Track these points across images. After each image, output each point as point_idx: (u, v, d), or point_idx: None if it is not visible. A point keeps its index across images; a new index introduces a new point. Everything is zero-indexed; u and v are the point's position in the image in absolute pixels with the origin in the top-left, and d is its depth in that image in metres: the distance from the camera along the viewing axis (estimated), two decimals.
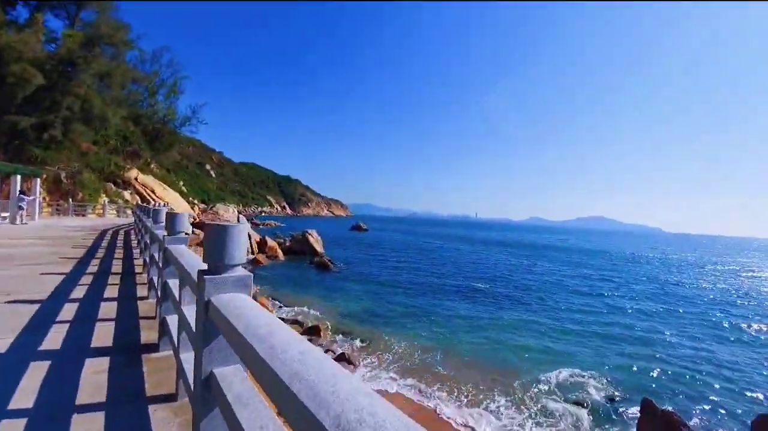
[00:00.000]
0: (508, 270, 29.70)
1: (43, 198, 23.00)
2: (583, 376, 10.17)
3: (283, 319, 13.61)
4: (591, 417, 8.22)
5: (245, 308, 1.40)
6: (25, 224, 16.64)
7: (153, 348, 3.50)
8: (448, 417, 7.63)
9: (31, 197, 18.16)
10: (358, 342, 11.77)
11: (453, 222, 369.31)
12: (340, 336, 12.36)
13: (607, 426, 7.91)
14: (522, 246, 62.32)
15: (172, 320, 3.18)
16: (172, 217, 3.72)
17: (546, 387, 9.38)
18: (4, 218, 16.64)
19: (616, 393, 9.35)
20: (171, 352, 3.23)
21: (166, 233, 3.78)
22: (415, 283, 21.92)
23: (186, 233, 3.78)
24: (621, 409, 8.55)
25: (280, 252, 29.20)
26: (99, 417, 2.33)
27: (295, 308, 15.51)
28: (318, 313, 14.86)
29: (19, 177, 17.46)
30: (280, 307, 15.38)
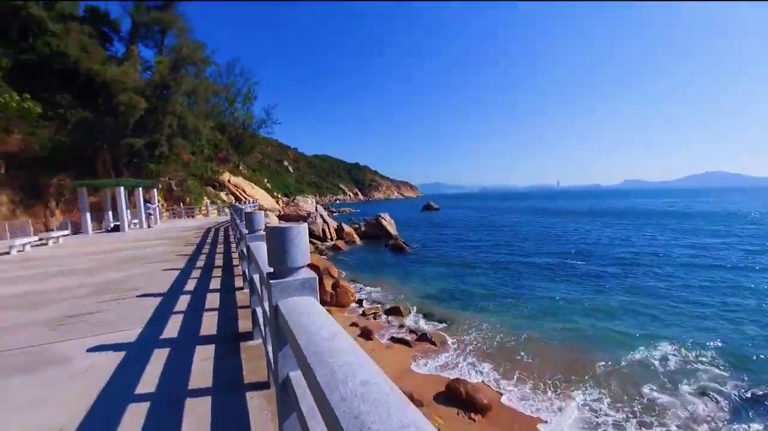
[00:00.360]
0: (600, 243, 26.44)
1: (162, 205, 27.50)
2: (700, 364, 8.62)
3: (364, 301, 14.27)
4: (716, 410, 6.94)
5: (309, 318, 1.31)
6: (152, 227, 20.01)
7: (248, 336, 3.82)
8: (531, 412, 7.04)
9: (154, 205, 21.81)
10: (438, 324, 11.70)
11: (531, 194, 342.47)
12: (421, 316, 12.44)
13: (735, 423, 6.59)
14: (616, 214, 54.79)
15: (260, 312, 3.40)
16: (250, 216, 3.96)
17: (650, 377, 8.14)
18: (135, 223, 20.24)
19: (746, 384, 7.73)
20: (262, 341, 3.47)
21: (246, 231, 4.06)
22: (493, 262, 20.91)
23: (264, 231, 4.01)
24: (754, 404, 7.05)
25: (356, 237, 30.45)
26: (206, 403, 2.59)
27: (375, 289, 16.06)
28: (397, 294, 15.17)
29: (141, 189, 21.01)
30: (361, 289, 16.06)
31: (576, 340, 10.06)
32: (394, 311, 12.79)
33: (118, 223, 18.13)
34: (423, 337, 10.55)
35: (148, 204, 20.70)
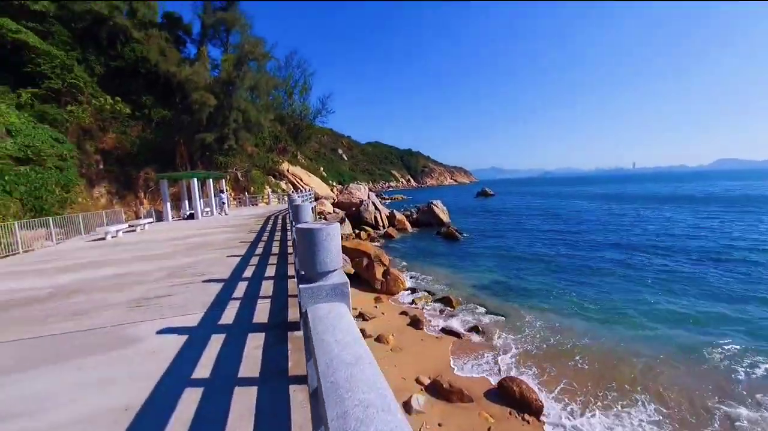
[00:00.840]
0: (682, 234, 23.08)
1: (230, 194, 29.94)
2: None
3: (414, 289, 14.21)
4: None
5: (334, 334, 1.20)
6: (222, 215, 21.88)
7: (296, 326, 3.91)
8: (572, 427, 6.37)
9: (225, 194, 23.87)
10: (490, 317, 11.23)
11: (600, 177, 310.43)
12: (472, 308, 12.05)
13: None
14: (711, 200, 47.12)
15: None
16: (297, 208, 4.02)
17: (729, 394, 6.94)
18: (207, 211, 22.28)
19: None
20: None
21: (294, 223, 4.13)
22: (552, 254, 19.44)
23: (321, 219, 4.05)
24: None
25: (408, 224, 30.37)
26: (252, 392, 2.67)
27: (426, 278, 15.90)
28: (448, 284, 14.85)
29: (211, 180, 23.01)
30: (412, 277, 16.00)
31: (643, 348, 8.91)
32: (444, 301, 12.55)
33: (192, 211, 20.11)
34: (473, 330, 10.23)
35: (221, 194, 22.75)
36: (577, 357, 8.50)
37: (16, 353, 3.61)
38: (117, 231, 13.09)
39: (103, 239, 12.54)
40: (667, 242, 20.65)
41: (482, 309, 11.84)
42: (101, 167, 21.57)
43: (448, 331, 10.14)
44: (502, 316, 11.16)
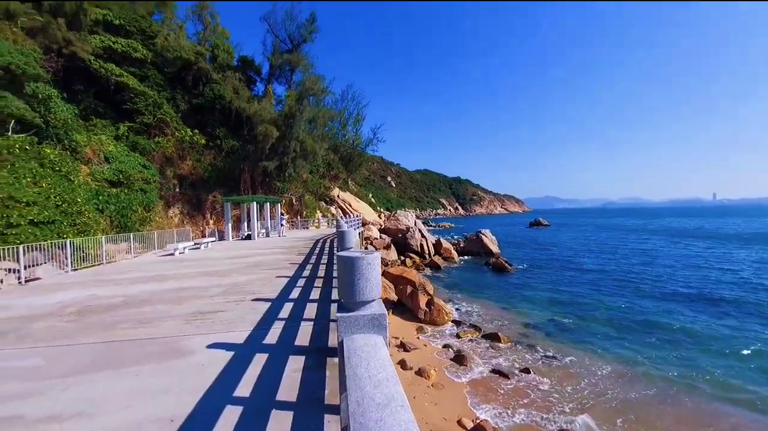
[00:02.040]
0: None
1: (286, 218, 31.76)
2: None
3: (459, 322, 13.53)
4: None
5: (368, 369, 1.14)
6: (284, 236, 23.10)
7: (335, 352, 3.87)
8: None
9: (285, 217, 25.39)
10: (542, 358, 10.25)
11: (673, 210, 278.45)
12: (522, 347, 11.13)
13: None
14: None
15: None
16: (342, 234, 4.09)
17: None
18: (263, 233, 23.70)
19: None
20: None
21: (340, 248, 4.20)
22: (613, 292, 17.57)
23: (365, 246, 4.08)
24: None
25: (454, 254, 29.54)
26: (288, 418, 2.64)
27: (473, 311, 15.13)
28: (496, 319, 13.98)
29: (268, 204, 24.61)
30: (457, 309, 15.31)
31: (718, 408, 7.48)
32: (492, 338, 11.77)
33: (250, 232, 21.52)
34: (524, 371, 9.39)
35: (281, 217, 24.39)
36: (644, 411, 7.40)
37: (86, 356, 3.99)
38: (184, 248, 14.36)
39: (172, 254, 13.81)
40: (747, 289, 17.62)
41: (534, 350, 10.87)
42: (177, 190, 24.19)
43: (495, 370, 9.41)
44: (556, 359, 10.14)
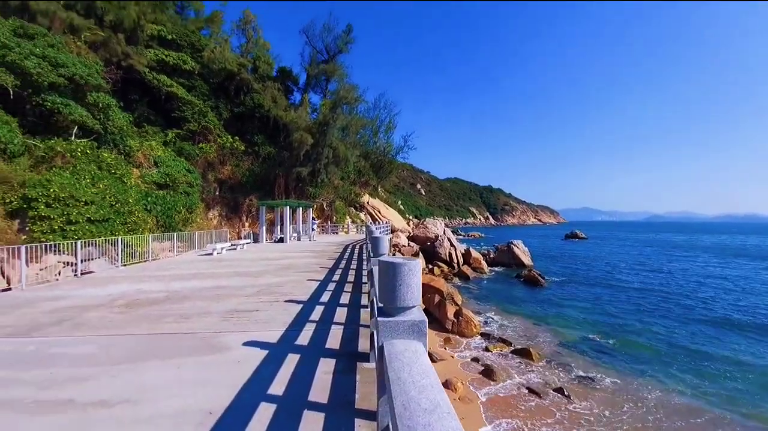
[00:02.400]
0: None
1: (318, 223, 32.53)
2: None
3: (488, 335, 13.11)
4: None
5: (410, 374, 1.14)
6: (314, 240, 23.67)
7: (365, 357, 3.88)
8: None
9: (316, 222, 26.05)
10: (577, 379, 9.68)
11: (727, 225, 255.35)
12: (556, 365, 10.58)
13: None
14: None
15: (376, 336, 3.41)
16: (376, 240, 4.12)
17: None
18: (294, 236, 24.36)
19: None
20: (375, 367, 3.46)
21: (372, 254, 4.22)
22: (658, 313, 16.31)
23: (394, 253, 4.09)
24: None
25: (484, 264, 28.80)
26: (320, 419, 2.67)
27: (503, 324, 14.63)
28: (529, 334, 13.42)
29: (301, 209, 25.31)
30: (486, 321, 14.86)
31: None
32: (523, 353, 11.29)
33: (283, 236, 22.20)
34: (558, 391, 8.89)
35: (313, 222, 25.06)
36: None
37: (134, 346, 4.26)
38: (222, 248, 15.05)
39: (211, 254, 14.51)
40: None
41: (569, 369, 10.30)
42: (217, 193, 25.50)
43: (527, 387, 9.00)
44: (592, 380, 9.54)
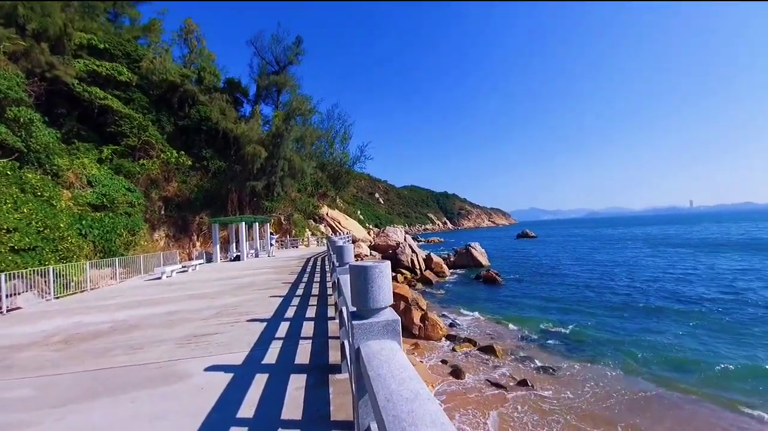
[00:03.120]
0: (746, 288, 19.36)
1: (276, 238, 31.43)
2: None
3: (454, 336, 13.47)
4: None
5: (389, 369, 1.19)
6: (273, 256, 22.79)
7: (337, 369, 3.85)
8: None
9: (275, 237, 25.13)
10: (539, 370, 10.26)
11: (654, 218, 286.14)
12: (518, 358, 11.13)
13: None
14: None
15: (347, 346, 3.40)
16: (340, 249, 4.13)
17: None
18: (252, 253, 23.35)
19: None
20: (348, 377, 3.44)
21: (337, 264, 4.22)
22: (604, 300, 17.85)
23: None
24: None
25: (445, 268, 29.59)
26: None
27: (466, 324, 15.10)
28: (491, 332, 13.98)
29: (257, 224, 24.37)
30: (451, 324, 15.26)
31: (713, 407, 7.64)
32: (488, 350, 11.73)
33: (239, 253, 21.20)
34: (522, 383, 9.35)
35: (271, 237, 24.18)
36: (637, 419, 7.43)
37: (78, 384, 3.85)
38: (171, 271, 14.03)
39: (159, 278, 13.46)
40: (728, 296, 18.20)
41: (529, 360, 10.88)
42: (163, 212, 23.77)
43: (493, 383, 9.36)
44: (554, 368, 10.16)
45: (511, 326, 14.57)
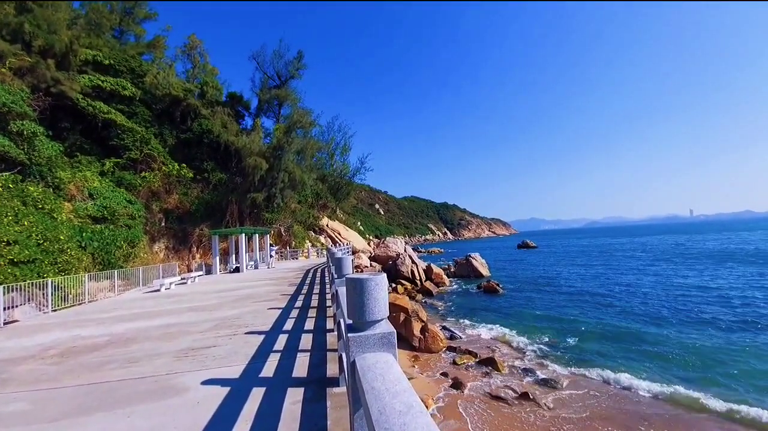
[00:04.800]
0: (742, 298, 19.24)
1: (276, 249, 31.39)
2: None
3: (455, 348, 13.32)
4: None
5: (384, 382, 1.21)
6: (273, 267, 22.72)
7: (335, 382, 3.82)
8: None
9: (275, 248, 25.11)
10: (541, 383, 10.11)
11: (653, 227, 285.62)
12: (518, 370, 10.98)
13: None
14: None
15: (345, 359, 3.39)
16: (339, 261, 4.14)
17: None
18: (251, 265, 23.28)
19: None
20: (346, 390, 3.42)
21: (336, 276, 4.24)
22: (605, 311, 17.70)
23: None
24: None
25: (445, 278, 29.45)
26: None
27: (467, 336, 14.95)
28: (492, 344, 13.84)
29: (257, 236, 24.38)
30: (452, 336, 15.10)
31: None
32: (489, 363, 11.58)
33: (238, 265, 21.14)
34: (524, 397, 9.21)
35: (271, 248, 24.14)
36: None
37: (74, 398, 3.82)
38: (170, 284, 13.98)
39: (158, 290, 13.41)
40: (723, 306, 18.06)
41: (530, 373, 10.74)
42: (163, 224, 23.81)
43: (495, 396, 9.22)
44: (555, 382, 10.01)
45: (512, 337, 14.42)
